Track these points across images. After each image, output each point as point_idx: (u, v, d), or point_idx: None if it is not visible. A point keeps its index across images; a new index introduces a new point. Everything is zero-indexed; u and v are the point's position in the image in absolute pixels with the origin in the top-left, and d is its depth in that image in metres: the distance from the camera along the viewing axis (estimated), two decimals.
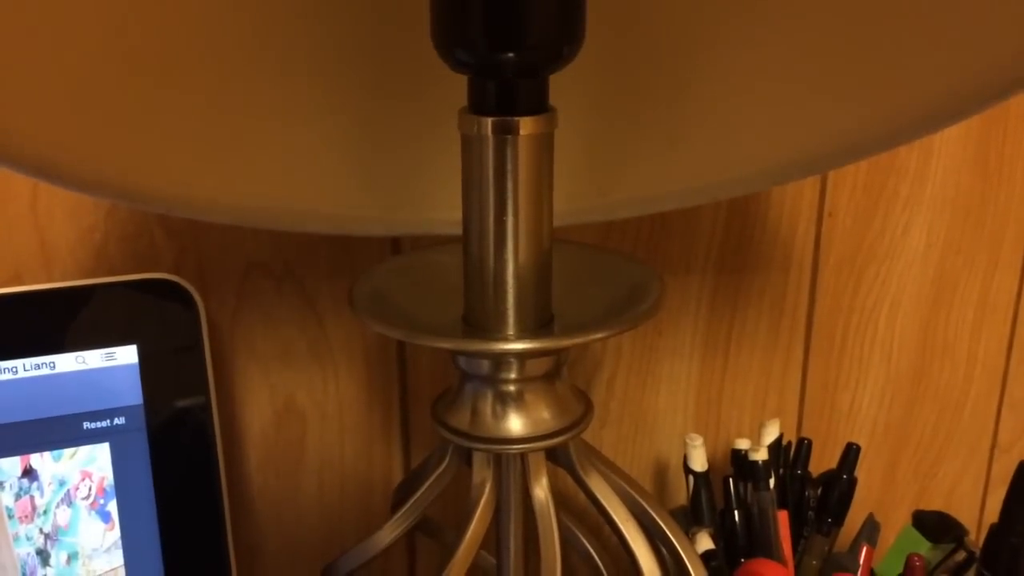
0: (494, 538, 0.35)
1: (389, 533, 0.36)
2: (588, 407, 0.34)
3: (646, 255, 0.48)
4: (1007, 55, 0.31)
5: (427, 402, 0.46)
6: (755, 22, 0.34)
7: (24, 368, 0.36)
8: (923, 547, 0.46)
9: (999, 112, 0.51)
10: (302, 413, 0.47)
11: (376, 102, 0.36)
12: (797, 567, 0.45)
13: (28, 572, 0.37)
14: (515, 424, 0.32)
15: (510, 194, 0.29)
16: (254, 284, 0.44)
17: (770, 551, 0.44)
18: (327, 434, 0.48)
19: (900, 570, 0.43)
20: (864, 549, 0.45)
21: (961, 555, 0.45)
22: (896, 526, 0.51)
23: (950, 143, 0.51)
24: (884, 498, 0.57)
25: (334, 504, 0.49)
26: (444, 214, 0.37)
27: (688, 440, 0.46)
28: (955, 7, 0.31)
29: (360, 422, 0.48)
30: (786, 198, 0.49)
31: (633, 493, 0.35)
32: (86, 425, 0.37)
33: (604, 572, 0.41)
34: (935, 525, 0.46)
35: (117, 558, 0.38)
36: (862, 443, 0.49)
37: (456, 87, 0.29)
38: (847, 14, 0.33)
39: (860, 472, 0.47)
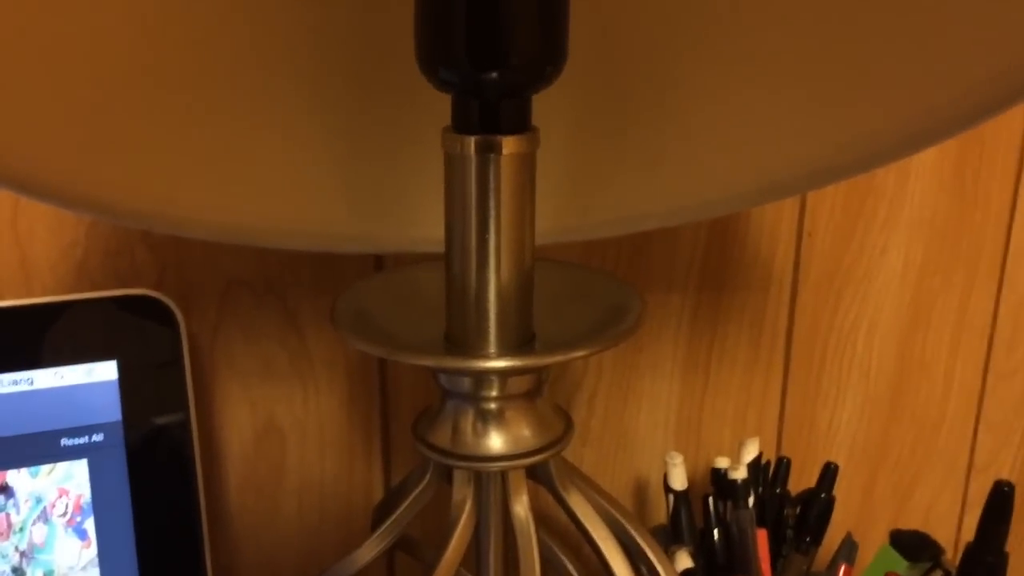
0: (474, 556, 0.35)
1: (369, 551, 0.35)
2: (569, 425, 0.34)
3: (627, 274, 0.49)
4: (984, 77, 0.32)
5: (408, 420, 0.46)
6: (735, 46, 0.34)
7: (2, 384, 0.36)
8: (900, 566, 0.46)
9: (975, 135, 0.52)
10: (282, 430, 0.47)
11: (359, 119, 0.36)
12: None
13: None
14: (496, 442, 0.32)
15: (492, 212, 0.29)
16: (235, 300, 0.44)
17: (749, 569, 0.44)
18: (307, 452, 0.48)
19: None
20: (842, 568, 0.46)
21: (938, 574, 0.46)
22: (873, 545, 0.52)
23: (926, 165, 0.51)
24: (862, 517, 0.57)
25: (314, 522, 0.49)
26: (427, 232, 0.37)
27: (668, 459, 0.46)
28: (930, 30, 0.32)
29: (341, 439, 0.48)
30: (766, 218, 0.50)
31: (613, 511, 0.36)
32: (64, 442, 0.37)
33: None
34: (912, 544, 0.46)
35: None
36: (840, 462, 0.49)
37: (440, 105, 0.29)
38: (824, 39, 0.33)
39: (838, 491, 0.47)
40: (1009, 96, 0.31)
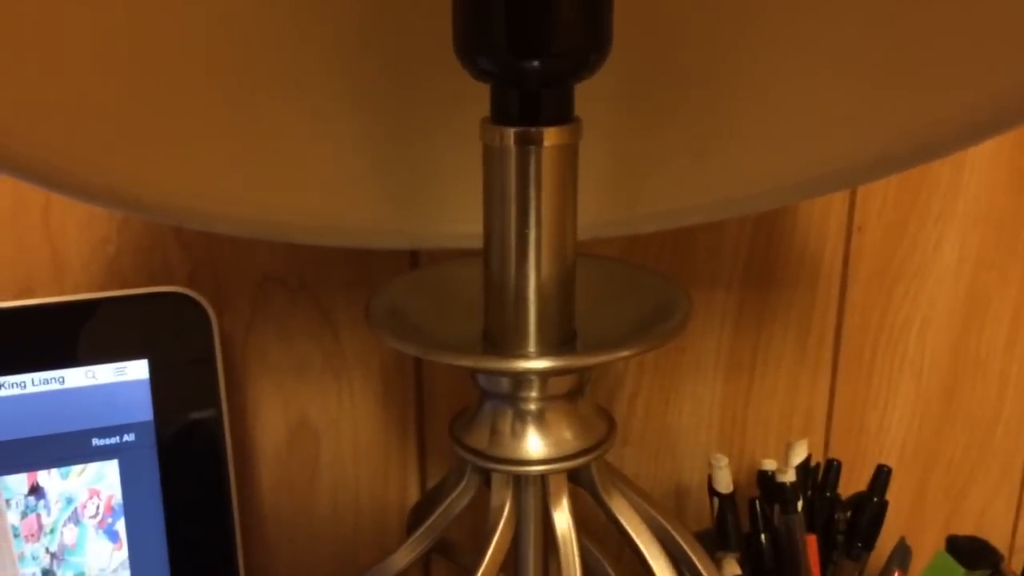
0: (512, 562, 0.34)
1: (404, 556, 0.34)
2: (611, 427, 0.33)
3: (670, 269, 0.47)
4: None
5: (444, 420, 0.45)
6: (785, 33, 0.33)
7: (32, 383, 0.36)
8: (957, 573, 0.44)
9: None
10: (316, 430, 0.46)
11: (395, 112, 0.35)
12: None
13: None
14: (535, 444, 0.31)
15: (533, 206, 0.28)
16: (268, 297, 0.44)
17: (799, 575, 0.43)
18: (341, 451, 0.47)
19: None
20: (895, 574, 0.44)
21: None
22: (924, 549, 0.50)
23: (982, 157, 0.49)
24: (913, 520, 0.56)
25: (348, 525, 0.48)
26: (465, 227, 0.36)
27: (713, 461, 0.44)
28: (988, 14, 0.30)
29: (375, 439, 0.47)
30: (814, 212, 0.48)
31: (657, 515, 0.34)
32: (95, 442, 0.36)
33: None
34: (970, 550, 0.45)
35: None
36: (891, 464, 0.48)
37: (479, 96, 0.28)
38: (880, 25, 0.32)
39: (889, 494, 0.45)
40: None
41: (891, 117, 0.34)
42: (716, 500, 0.44)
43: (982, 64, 0.31)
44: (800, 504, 0.43)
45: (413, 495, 0.48)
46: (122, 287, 0.40)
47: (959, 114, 0.33)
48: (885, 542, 0.46)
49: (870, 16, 0.32)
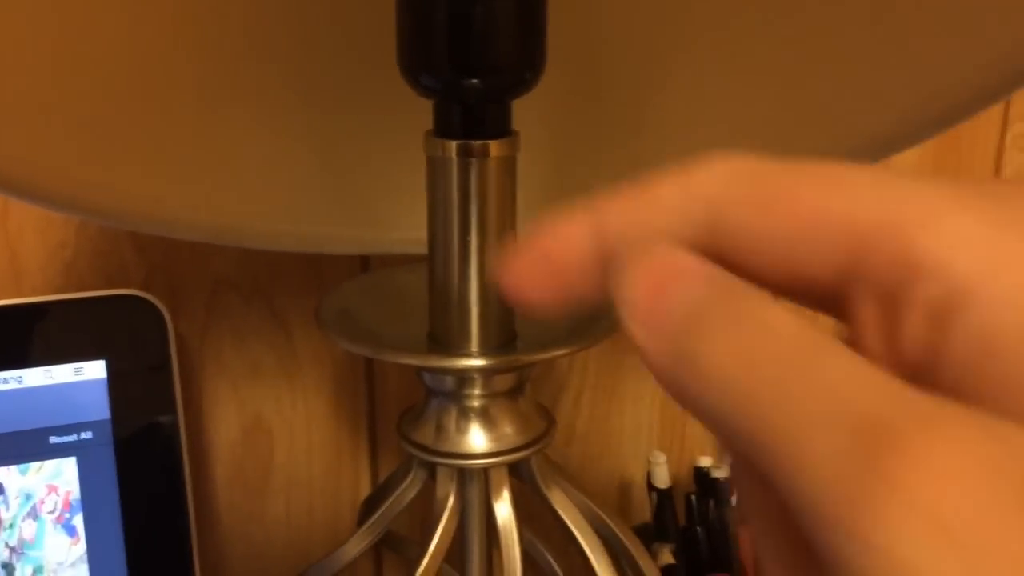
0: (458, 553, 0.35)
1: (354, 547, 0.36)
2: (551, 423, 0.35)
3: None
4: (949, 84, 0.32)
5: (395, 419, 0.47)
6: (711, 52, 0.35)
7: None
8: None
9: (952, 141, 0.52)
10: (270, 429, 0.48)
11: (345, 123, 0.37)
12: None
13: None
14: (478, 439, 0.33)
15: (474, 215, 0.30)
16: (223, 301, 0.45)
17: (732, 567, 0.45)
18: (295, 450, 0.48)
19: None
20: None
21: None
22: None
23: (909, 162, 0.52)
24: None
25: (302, 520, 0.50)
26: (412, 233, 0.37)
27: (652, 458, 0.47)
28: (903, 35, 0.32)
29: (328, 438, 0.48)
30: None
31: (595, 509, 0.36)
32: (53, 440, 0.37)
33: None
34: None
35: (83, 572, 0.38)
36: None
37: (426, 109, 0.30)
38: (798, 45, 0.34)
39: None
40: (976, 98, 0.32)
41: (816, 130, 0.36)
42: (655, 495, 0.46)
43: (893, 80, 0.33)
44: (734, 498, 0.46)
45: (365, 491, 0.50)
46: (79, 290, 0.41)
47: (870, 129, 0.35)
48: None
49: (790, 40, 0.34)
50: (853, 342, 0.14)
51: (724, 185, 0.15)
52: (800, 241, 0.14)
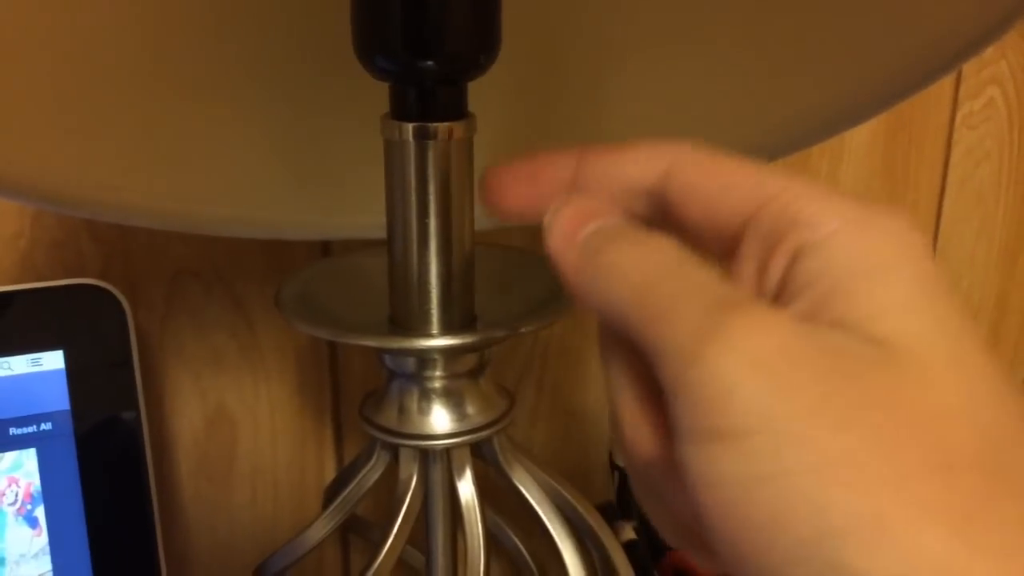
0: (423, 534, 0.36)
1: (319, 530, 0.36)
2: (511, 403, 0.35)
3: None
4: (901, 55, 0.33)
5: (359, 405, 0.47)
6: (665, 33, 0.35)
7: None
8: None
9: (903, 120, 0.53)
10: (233, 418, 0.47)
11: (303, 107, 0.37)
12: None
13: None
14: (440, 420, 0.33)
15: (432, 197, 0.30)
16: (183, 289, 0.45)
17: None
18: (259, 438, 0.48)
19: None
20: None
21: None
22: None
23: (858, 149, 0.53)
24: None
25: (267, 509, 0.50)
26: (373, 218, 0.37)
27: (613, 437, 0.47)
28: (845, 13, 0.33)
29: (292, 425, 0.49)
30: None
31: (558, 487, 0.37)
32: (12, 431, 0.37)
33: (532, 566, 0.42)
34: None
35: (45, 564, 0.38)
36: None
37: (382, 92, 0.30)
38: (742, 28, 0.35)
39: None
40: (925, 74, 0.32)
41: (764, 110, 0.37)
42: (617, 474, 0.47)
43: (840, 56, 0.34)
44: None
45: (331, 477, 0.50)
46: (36, 281, 0.41)
47: (821, 105, 0.36)
48: None
49: (742, 19, 0.35)
50: (732, 273, 0.21)
51: (682, 152, 0.22)
52: (724, 194, 0.21)
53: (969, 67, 0.53)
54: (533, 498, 0.36)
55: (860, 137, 0.52)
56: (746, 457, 0.17)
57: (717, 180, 0.21)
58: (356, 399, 0.49)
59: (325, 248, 0.46)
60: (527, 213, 0.24)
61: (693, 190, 0.21)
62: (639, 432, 0.20)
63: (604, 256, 0.20)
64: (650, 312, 0.19)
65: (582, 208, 0.22)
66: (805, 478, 0.16)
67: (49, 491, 0.38)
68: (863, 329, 0.18)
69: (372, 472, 0.36)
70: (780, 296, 0.19)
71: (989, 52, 0.53)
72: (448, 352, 0.32)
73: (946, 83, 0.53)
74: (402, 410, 0.34)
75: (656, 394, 0.19)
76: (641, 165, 0.22)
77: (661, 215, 0.22)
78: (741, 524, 0.17)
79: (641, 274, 0.20)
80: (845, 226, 0.19)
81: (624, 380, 0.21)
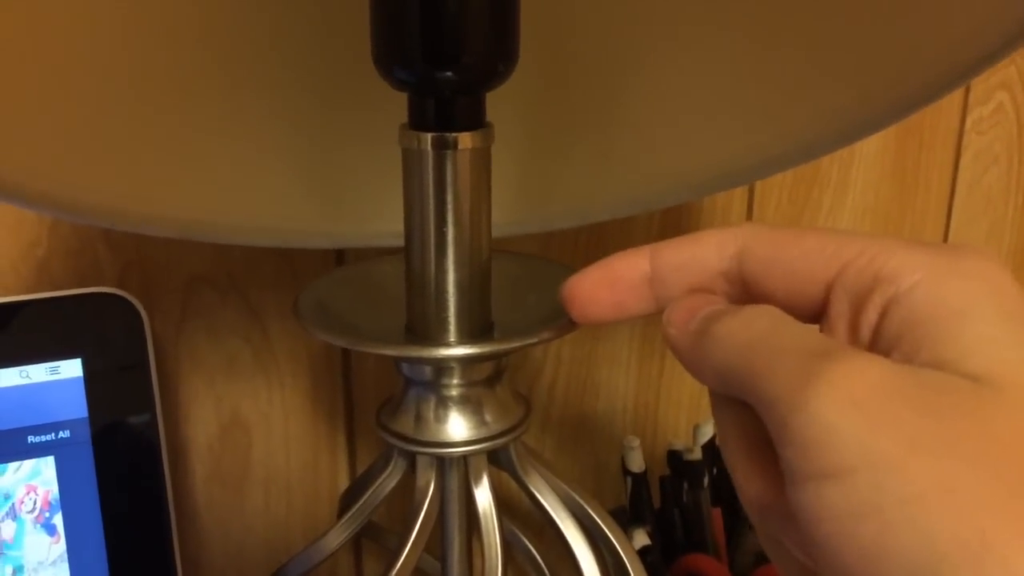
0: (438, 541, 0.36)
1: (335, 538, 0.36)
2: (528, 410, 0.35)
3: (585, 263, 0.50)
4: (914, 67, 0.33)
5: (372, 411, 0.47)
6: (682, 42, 0.35)
7: None
8: None
9: (914, 127, 0.53)
10: (247, 424, 0.48)
11: (320, 116, 0.37)
12: (731, 561, 0.47)
13: None
14: (457, 428, 0.33)
15: (450, 206, 0.30)
16: (199, 297, 0.45)
17: (706, 547, 0.46)
18: (273, 444, 0.48)
19: None
20: None
21: None
22: None
23: (869, 156, 0.53)
24: None
25: (281, 515, 0.50)
26: (387, 226, 0.38)
27: (626, 442, 0.47)
28: (861, 27, 0.33)
29: (306, 432, 0.49)
30: (716, 208, 0.51)
31: (572, 493, 0.37)
32: (31, 439, 0.37)
33: (546, 571, 0.42)
34: None
35: (63, 571, 0.38)
36: None
37: (399, 102, 0.30)
38: (760, 38, 0.35)
39: None
40: (939, 86, 0.32)
41: (779, 118, 0.37)
42: (630, 479, 0.47)
43: (847, 72, 0.34)
44: (706, 480, 0.47)
45: (343, 484, 0.50)
46: (53, 290, 0.41)
47: (836, 116, 0.36)
48: None
49: (760, 29, 0.35)
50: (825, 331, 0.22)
51: (751, 231, 0.24)
52: (802, 263, 0.22)
53: None
54: (549, 504, 0.36)
55: (870, 142, 0.53)
56: (851, 492, 0.18)
57: (793, 250, 0.22)
58: (369, 406, 0.49)
59: (339, 256, 0.46)
60: (612, 316, 0.26)
61: (772, 263, 0.23)
62: (753, 482, 0.21)
63: (713, 331, 0.22)
64: (756, 369, 0.20)
65: (691, 303, 0.24)
66: (909, 508, 0.17)
67: (67, 499, 0.38)
68: (956, 367, 0.19)
69: (389, 479, 0.36)
70: (873, 351, 0.20)
71: None
72: (465, 360, 0.32)
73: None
74: (419, 418, 0.34)
75: (766, 444, 0.21)
76: (712, 251, 0.24)
77: (740, 294, 0.24)
78: (854, 558, 0.18)
79: (745, 337, 0.21)
80: (928, 274, 0.20)
81: (735, 433, 0.22)
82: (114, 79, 0.32)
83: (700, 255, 0.24)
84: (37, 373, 0.38)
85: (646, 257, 0.25)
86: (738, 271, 0.23)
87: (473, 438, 0.33)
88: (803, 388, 0.18)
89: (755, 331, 0.21)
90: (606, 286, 0.26)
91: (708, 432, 0.48)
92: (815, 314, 0.22)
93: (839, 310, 0.21)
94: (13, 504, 0.37)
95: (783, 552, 0.22)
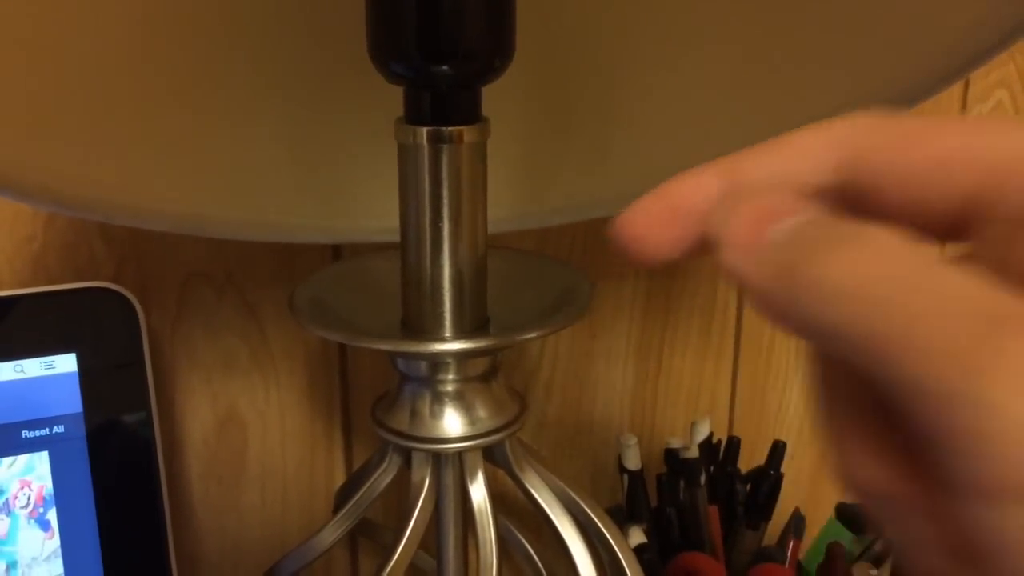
0: (434, 537, 0.36)
1: (330, 534, 0.36)
2: (523, 407, 0.35)
3: (581, 260, 0.50)
4: (914, 64, 0.33)
5: (368, 408, 0.47)
6: (675, 38, 0.35)
7: None
8: (845, 537, 0.48)
9: None
10: (244, 421, 0.48)
11: (315, 111, 0.37)
12: (728, 559, 0.47)
13: None
14: (452, 424, 0.33)
15: (445, 201, 0.30)
16: (195, 292, 0.45)
17: (702, 545, 0.46)
18: (269, 441, 0.48)
19: (823, 559, 0.45)
20: (791, 542, 0.47)
21: (881, 545, 0.47)
22: (820, 521, 0.53)
23: None
24: (811, 494, 0.59)
25: (276, 511, 0.50)
26: (383, 222, 0.38)
27: (622, 440, 0.47)
28: (851, 25, 0.33)
29: (302, 428, 0.49)
30: None
31: (569, 491, 0.37)
32: (25, 434, 0.37)
33: (543, 570, 0.42)
34: (857, 517, 0.48)
35: (57, 567, 0.38)
36: (790, 442, 0.51)
37: (395, 96, 0.30)
38: (758, 35, 0.35)
39: (788, 469, 0.49)
40: (937, 80, 0.32)
41: (775, 115, 0.37)
42: (626, 477, 0.47)
43: (844, 68, 0.34)
44: (703, 478, 0.46)
45: (340, 480, 0.50)
46: (48, 284, 0.41)
47: (833, 112, 0.36)
48: (784, 513, 0.49)
49: (753, 27, 0.35)
50: (968, 260, 0.16)
51: (867, 132, 0.17)
52: (934, 174, 0.16)
53: (977, 71, 0.53)
54: (544, 501, 0.36)
55: None
56: None
57: (921, 157, 0.16)
58: (365, 402, 0.49)
59: (335, 251, 0.46)
60: (676, 256, 0.19)
61: (891, 173, 0.17)
62: (867, 466, 0.16)
63: (810, 267, 0.15)
64: (890, 339, 0.14)
65: (762, 206, 0.16)
66: None
67: (61, 494, 0.38)
68: None
69: (384, 476, 0.36)
70: None
71: None
72: (461, 356, 0.32)
73: (954, 87, 0.53)
74: (414, 414, 0.34)
75: (891, 419, 0.15)
76: (810, 158, 0.17)
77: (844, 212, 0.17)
78: None
79: (869, 288, 0.14)
80: None
81: (843, 399, 0.17)
82: (110, 73, 0.32)
83: (794, 166, 0.17)
84: (32, 368, 0.37)
85: (715, 176, 0.18)
86: (843, 186, 0.17)
87: (468, 434, 0.33)
88: (976, 374, 0.13)
89: (885, 276, 0.14)
90: (666, 220, 0.19)
91: (705, 430, 0.48)
92: (939, 238, 0.17)
93: (989, 233, 0.16)
94: (7, 499, 0.37)
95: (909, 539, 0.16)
